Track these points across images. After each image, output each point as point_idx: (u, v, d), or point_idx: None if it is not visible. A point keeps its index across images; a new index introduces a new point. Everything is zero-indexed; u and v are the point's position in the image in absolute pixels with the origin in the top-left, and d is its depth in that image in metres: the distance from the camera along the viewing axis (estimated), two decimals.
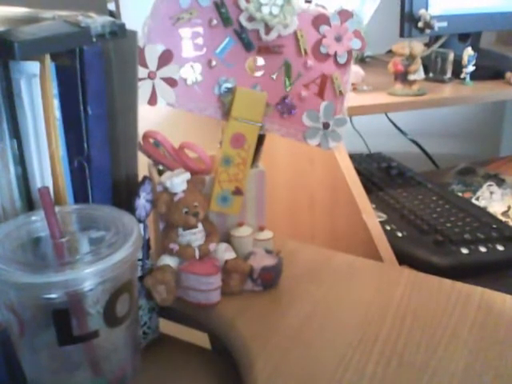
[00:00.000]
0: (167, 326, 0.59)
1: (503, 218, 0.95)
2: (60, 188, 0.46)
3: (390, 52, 1.14)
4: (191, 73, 0.60)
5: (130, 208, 0.49)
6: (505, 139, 1.67)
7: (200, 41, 0.59)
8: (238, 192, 0.62)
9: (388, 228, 0.87)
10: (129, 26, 0.46)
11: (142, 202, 0.52)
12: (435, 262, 0.78)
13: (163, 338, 0.58)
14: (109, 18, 0.44)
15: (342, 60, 0.62)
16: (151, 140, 0.62)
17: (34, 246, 0.43)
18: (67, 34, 0.42)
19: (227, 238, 0.62)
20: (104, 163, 0.48)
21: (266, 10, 0.58)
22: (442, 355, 0.49)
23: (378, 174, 1.11)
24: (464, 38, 1.18)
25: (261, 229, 0.64)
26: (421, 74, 1.00)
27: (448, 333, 0.52)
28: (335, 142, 0.64)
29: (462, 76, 1.07)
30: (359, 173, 0.88)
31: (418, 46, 0.99)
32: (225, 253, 0.58)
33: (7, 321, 0.41)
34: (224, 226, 0.63)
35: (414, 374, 0.47)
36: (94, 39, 0.43)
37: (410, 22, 1.05)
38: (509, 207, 1.01)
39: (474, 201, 1.04)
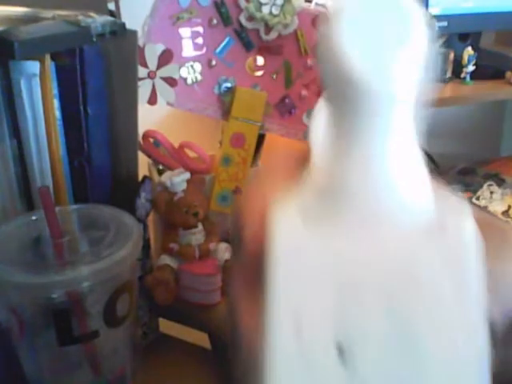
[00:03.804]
0: (167, 326, 0.58)
1: (503, 218, 0.95)
2: (60, 188, 0.46)
3: None
4: (191, 72, 0.60)
5: (130, 208, 0.49)
6: (505, 139, 1.67)
7: (200, 40, 0.59)
8: (238, 191, 0.62)
9: None
10: (129, 25, 0.46)
11: (142, 201, 0.51)
12: None
13: (163, 338, 0.58)
14: (109, 18, 0.44)
15: None
16: (151, 140, 0.62)
17: (34, 246, 0.43)
18: (67, 33, 0.42)
19: (227, 238, 0.62)
20: (104, 163, 0.48)
21: (266, 9, 0.58)
22: None
23: None
24: (464, 37, 1.18)
25: None
26: None
27: None
28: None
29: (462, 76, 1.07)
30: None
31: None
32: (225, 253, 0.58)
33: (7, 321, 0.41)
34: (224, 226, 0.63)
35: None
36: (94, 39, 0.43)
37: None
38: (509, 207, 1.01)
39: (474, 200, 1.04)
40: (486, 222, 0.21)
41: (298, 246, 0.20)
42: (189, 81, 0.60)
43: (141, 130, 0.55)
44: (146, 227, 0.53)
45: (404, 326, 0.19)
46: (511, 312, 0.22)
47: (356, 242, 0.20)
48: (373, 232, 0.20)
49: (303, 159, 0.24)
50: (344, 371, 0.19)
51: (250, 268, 0.22)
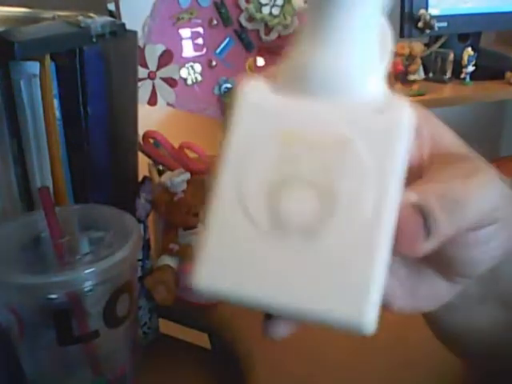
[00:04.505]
0: (167, 326, 0.58)
1: None
2: (60, 188, 0.46)
3: None
4: (191, 73, 0.60)
5: (130, 208, 0.49)
6: (505, 139, 1.67)
7: (200, 41, 0.59)
8: None
9: None
10: (129, 26, 0.46)
11: (142, 202, 0.52)
12: None
13: (163, 338, 0.58)
14: (109, 18, 0.44)
15: None
16: (151, 140, 0.62)
17: (33, 246, 0.43)
18: (67, 34, 0.42)
19: None
20: (104, 163, 0.48)
21: (266, 10, 0.58)
22: (445, 356, 0.49)
23: None
24: (464, 37, 1.18)
25: None
26: (421, 74, 1.00)
27: None
28: None
29: (462, 76, 1.07)
30: None
31: (417, 46, 0.99)
32: None
33: (7, 321, 0.41)
34: None
35: (418, 375, 0.46)
36: (94, 39, 0.43)
37: (409, 22, 1.05)
38: None
39: None
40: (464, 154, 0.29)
41: (260, 103, 0.25)
42: (189, 81, 0.60)
43: (141, 131, 0.55)
44: (146, 228, 0.53)
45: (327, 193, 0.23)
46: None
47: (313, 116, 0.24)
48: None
49: None
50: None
51: None
